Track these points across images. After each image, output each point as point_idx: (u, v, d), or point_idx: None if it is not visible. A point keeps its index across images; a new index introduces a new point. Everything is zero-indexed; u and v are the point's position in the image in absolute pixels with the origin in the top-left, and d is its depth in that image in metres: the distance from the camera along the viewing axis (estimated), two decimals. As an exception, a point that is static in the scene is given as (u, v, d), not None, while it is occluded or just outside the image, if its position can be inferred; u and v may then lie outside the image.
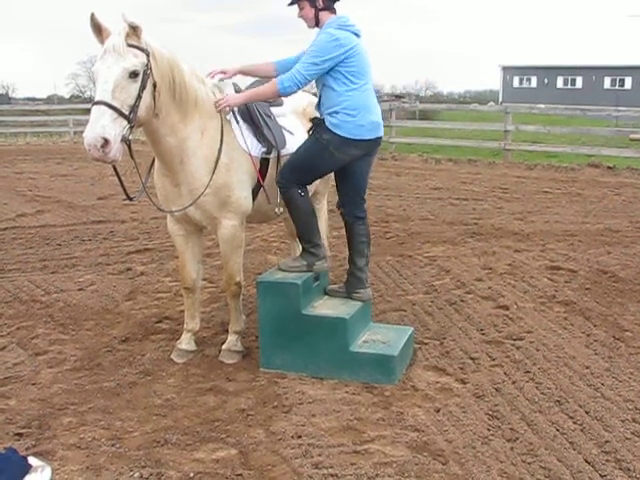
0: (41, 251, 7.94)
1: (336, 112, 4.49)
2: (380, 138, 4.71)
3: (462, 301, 5.98)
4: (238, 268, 4.86)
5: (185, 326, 5.02)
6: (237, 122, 4.72)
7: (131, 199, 4.40)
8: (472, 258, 7.43)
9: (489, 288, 6.33)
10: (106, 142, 3.82)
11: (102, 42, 4.02)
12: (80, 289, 6.48)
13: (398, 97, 39.93)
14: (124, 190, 4.32)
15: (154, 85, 4.12)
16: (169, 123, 4.34)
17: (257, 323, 4.77)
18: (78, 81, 63.14)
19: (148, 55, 4.06)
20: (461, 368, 4.61)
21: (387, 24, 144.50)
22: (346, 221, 4.81)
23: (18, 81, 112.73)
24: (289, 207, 4.75)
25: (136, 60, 3.98)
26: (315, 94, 5.05)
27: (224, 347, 4.88)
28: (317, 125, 4.65)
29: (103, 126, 3.83)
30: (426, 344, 5.03)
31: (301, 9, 4.62)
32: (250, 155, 4.68)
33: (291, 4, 4.65)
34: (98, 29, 4.04)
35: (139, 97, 4.01)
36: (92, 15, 4.00)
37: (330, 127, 4.51)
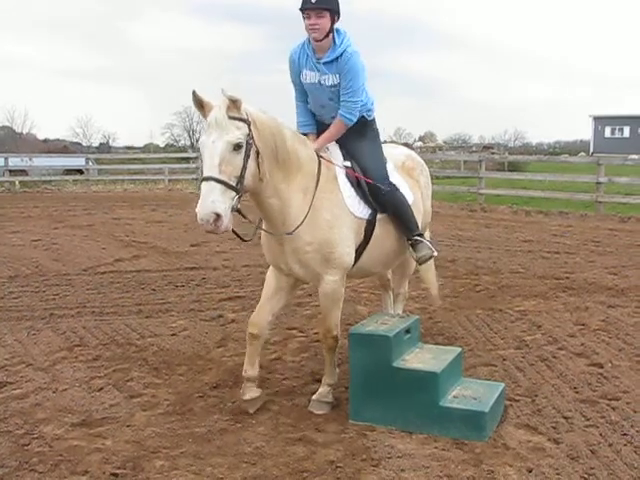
0: (137, 295, 8.23)
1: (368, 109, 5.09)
2: None
3: (554, 357, 5.83)
4: (336, 322, 4.89)
5: (244, 374, 4.95)
6: (344, 183, 4.82)
7: (245, 240, 4.58)
8: (564, 313, 7.26)
9: (582, 345, 6.16)
10: (218, 217, 3.96)
11: (205, 116, 4.17)
12: (173, 334, 6.66)
13: (487, 148, 39.76)
14: (236, 234, 4.45)
15: (257, 152, 4.24)
16: (272, 186, 4.45)
17: (347, 374, 4.79)
18: (173, 131, 65.79)
19: (249, 125, 4.18)
20: (554, 427, 4.48)
21: (474, 72, 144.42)
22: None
23: (119, 130, 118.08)
24: (399, 209, 5.03)
25: (238, 132, 4.09)
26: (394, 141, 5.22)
27: (314, 397, 4.90)
28: (356, 131, 4.96)
29: (213, 201, 3.95)
30: (517, 401, 4.92)
31: (321, 17, 4.65)
32: (356, 217, 4.79)
33: (315, 8, 4.64)
34: (200, 104, 4.18)
35: (244, 167, 4.13)
36: (194, 92, 4.15)
37: (369, 117, 5.12)
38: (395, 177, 5.20)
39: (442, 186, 21.46)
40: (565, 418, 4.62)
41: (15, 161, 28.56)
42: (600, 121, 58.61)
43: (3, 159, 26.65)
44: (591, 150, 55.04)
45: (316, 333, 6.47)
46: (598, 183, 16.78)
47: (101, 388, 5.29)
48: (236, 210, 4.12)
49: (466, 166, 29.16)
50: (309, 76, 4.96)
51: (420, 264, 5.24)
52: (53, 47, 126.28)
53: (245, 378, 4.93)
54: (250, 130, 4.18)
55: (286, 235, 4.57)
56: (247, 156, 4.14)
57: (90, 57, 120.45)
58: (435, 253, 5.22)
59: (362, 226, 4.85)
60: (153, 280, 9.02)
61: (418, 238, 5.14)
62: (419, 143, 60.56)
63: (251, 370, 4.95)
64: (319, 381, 5.20)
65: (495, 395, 4.56)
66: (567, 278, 8.99)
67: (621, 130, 57.92)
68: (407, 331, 4.76)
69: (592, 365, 5.64)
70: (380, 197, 4.89)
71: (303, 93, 5.11)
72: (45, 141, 58.06)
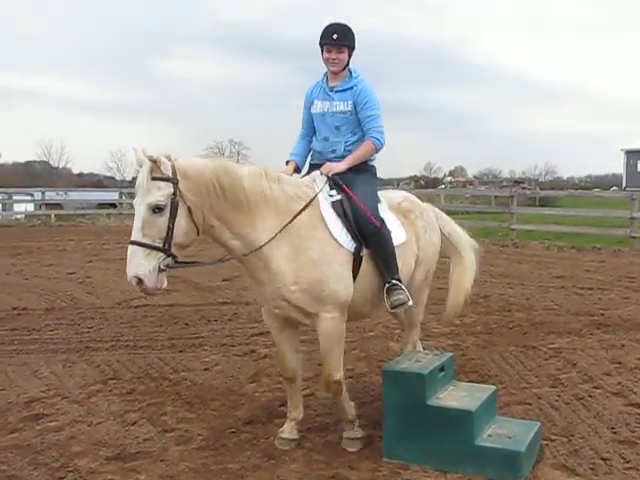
0: (170, 329, 8.29)
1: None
2: None
3: (590, 396, 5.74)
4: (339, 364, 4.70)
5: (288, 414, 5.01)
6: (331, 216, 4.67)
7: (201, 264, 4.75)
8: (600, 351, 7.15)
9: (619, 384, 6.06)
10: (140, 280, 3.98)
11: None
12: (206, 369, 6.69)
13: (518, 183, 39.63)
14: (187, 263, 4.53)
15: (189, 208, 4.11)
16: (230, 229, 4.34)
17: (381, 412, 4.76)
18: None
19: (176, 182, 4.06)
20: (592, 469, 4.40)
21: (504, 106, 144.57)
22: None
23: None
24: (382, 246, 4.79)
25: (159, 193, 4.00)
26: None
27: (344, 435, 4.87)
28: (352, 169, 4.90)
29: (136, 266, 3.98)
30: (553, 440, 4.85)
31: (341, 53, 4.93)
32: (342, 247, 4.62)
33: (336, 44, 4.90)
34: (140, 163, 4.12)
35: (169, 228, 4.04)
36: (134, 150, 4.13)
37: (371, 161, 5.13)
38: (386, 215, 5.03)
39: (473, 221, 21.41)
40: (603, 460, 4.53)
41: (51, 195, 29.29)
42: (632, 155, 58.01)
43: (40, 193, 27.25)
44: (623, 184, 54.52)
45: (349, 369, 6.46)
46: (632, 218, 16.61)
47: (135, 422, 5.33)
48: (167, 268, 4.07)
49: (497, 201, 29.04)
50: (319, 105, 5.09)
51: (392, 309, 4.87)
52: (87, 83, 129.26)
53: (289, 419, 4.97)
54: (177, 188, 4.05)
55: (267, 280, 4.47)
56: (173, 216, 4.04)
57: (122, 92, 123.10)
58: (410, 302, 4.87)
59: (349, 260, 4.66)
60: (186, 314, 9.09)
61: (396, 282, 4.84)
62: (449, 178, 60.59)
63: (295, 412, 4.98)
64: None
65: (531, 434, 4.51)
66: (602, 315, 8.88)
67: (654, 164, 57.32)
68: (441, 369, 4.73)
69: (630, 405, 5.54)
70: (366, 230, 4.70)
71: (309, 130, 5.25)
72: (80, 175, 59.20)
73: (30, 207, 29.94)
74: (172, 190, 4.05)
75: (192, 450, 4.80)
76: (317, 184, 4.80)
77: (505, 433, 4.51)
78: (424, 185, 51.41)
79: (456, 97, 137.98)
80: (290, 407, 5.01)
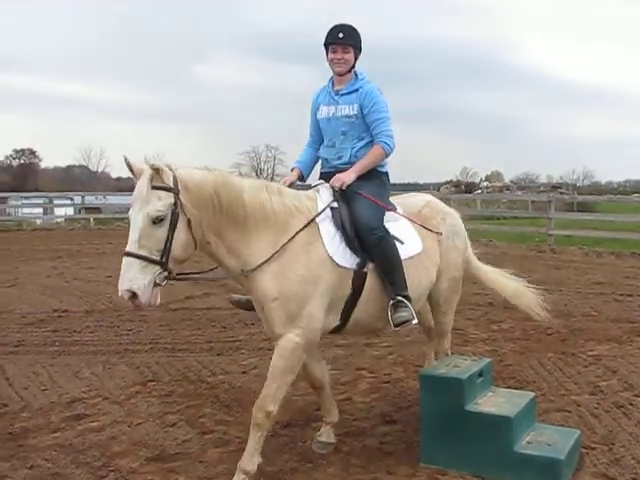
0: (207, 332, 8.37)
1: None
2: None
3: (631, 405, 5.66)
4: (278, 396, 4.24)
5: (324, 419, 5.00)
6: (329, 232, 4.42)
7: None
8: (640, 358, 7.06)
9: (661, 392, 5.98)
10: (134, 295, 3.75)
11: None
12: (244, 372, 6.74)
13: (555, 188, 39.22)
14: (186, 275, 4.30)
15: (188, 221, 3.92)
16: (226, 245, 4.15)
17: (418, 416, 4.76)
18: (241, 170, 66.92)
19: (177, 193, 3.88)
20: (634, 479, 4.34)
21: (541, 110, 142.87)
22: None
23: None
24: (386, 261, 4.50)
25: (159, 203, 3.81)
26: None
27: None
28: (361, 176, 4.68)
29: (130, 279, 3.74)
30: (593, 449, 4.79)
31: (347, 53, 4.76)
32: (339, 266, 4.35)
33: (342, 44, 4.73)
34: (132, 171, 3.93)
35: (168, 240, 3.84)
36: (125, 159, 3.92)
37: (380, 168, 4.86)
38: (395, 225, 4.75)
39: (510, 226, 21.28)
40: (645, 469, 4.48)
41: (90, 199, 29.80)
42: (673, 160, 57.12)
43: (80, 197, 27.73)
44: (664, 190, 53.64)
45: (386, 374, 6.46)
46: (673, 224, 16.36)
47: (174, 424, 5.39)
48: (161, 284, 3.86)
49: (534, 206, 28.79)
50: (325, 110, 4.90)
51: (395, 327, 4.53)
52: (125, 89, 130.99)
53: (325, 423, 4.98)
54: (177, 199, 3.87)
55: (255, 299, 4.33)
56: (172, 228, 3.85)
57: (159, 98, 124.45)
58: (415, 321, 4.53)
59: (348, 277, 4.39)
60: (223, 318, 9.16)
61: (402, 299, 4.51)
62: (485, 183, 60.17)
63: (329, 416, 4.98)
64: (390, 422, 5.23)
65: (570, 442, 4.46)
66: (642, 322, 8.75)
67: (695, 169, 56.30)
68: (480, 374, 4.72)
69: (672, 414, 5.46)
70: (367, 241, 4.44)
71: (316, 137, 5.07)
72: (118, 179, 59.96)
73: (70, 211, 30.61)
74: (173, 200, 3.86)
75: (230, 452, 4.83)
76: (321, 196, 4.58)
77: (544, 440, 4.47)
78: (465, 189, 51.00)
79: (492, 101, 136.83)
80: (324, 412, 5.01)
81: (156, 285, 3.83)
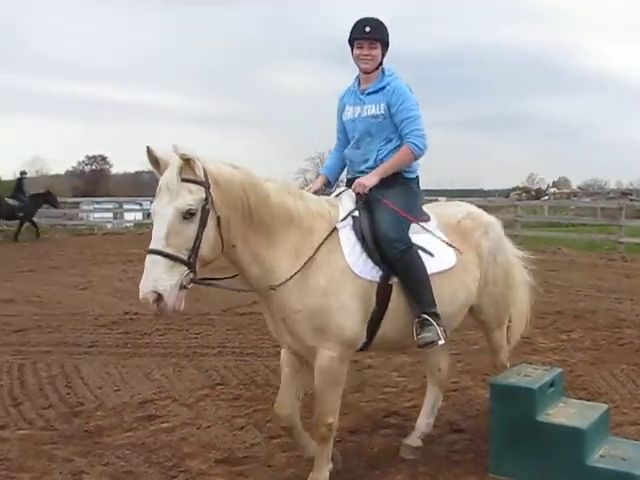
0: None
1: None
2: None
3: None
4: (333, 408, 4.18)
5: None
6: (347, 238, 4.15)
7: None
8: None
9: None
10: (160, 297, 3.44)
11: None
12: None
13: (625, 194, 38.23)
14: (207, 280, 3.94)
15: (218, 219, 3.65)
16: (251, 251, 3.87)
17: (486, 425, 4.72)
18: (306, 176, 67.29)
19: (207, 187, 3.60)
20: None
21: (609, 114, 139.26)
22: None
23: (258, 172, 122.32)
24: (411, 276, 4.17)
25: (190, 197, 3.52)
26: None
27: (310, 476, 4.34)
28: (385, 181, 4.34)
29: (155, 279, 3.43)
30: (669, 464, 4.67)
31: (374, 48, 4.40)
32: (359, 277, 4.07)
33: (368, 39, 4.39)
34: (155, 162, 3.66)
35: (198, 238, 3.55)
36: (148, 148, 3.64)
37: (407, 174, 4.51)
38: (423, 237, 4.41)
39: (578, 234, 20.84)
40: None
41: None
42: None
43: (149, 202, 28.24)
44: None
45: (454, 382, 6.41)
46: None
47: (242, 427, 5.46)
48: (187, 286, 3.56)
49: (603, 213, 28.11)
50: (350, 111, 4.57)
51: (419, 347, 4.25)
52: (190, 96, 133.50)
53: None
54: (208, 194, 3.60)
55: (275, 310, 4.06)
56: (202, 225, 3.56)
57: (222, 104, 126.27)
58: (441, 342, 4.21)
59: (372, 290, 4.10)
60: (290, 322, 9.20)
61: (428, 318, 4.18)
62: (552, 189, 59.02)
63: (307, 451, 4.62)
64: (457, 431, 5.19)
65: (646, 457, 4.35)
66: None
67: None
68: (551, 384, 4.64)
69: None
70: (389, 255, 4.14)
71: (343, 141, 4.75)
72: (184, 185, 61.05)
73: (139, 216, 31.31)
74: (204, 195, 3.58)
75: (298, 457, 4.85)
76: (343, 203, 4.31)
77: (619, 454, 4.34)
78: (535, 196, 49.97)
79: (559, 106, 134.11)
80: (300, 450, 4.67)
81: (182, 288, 3.53)
